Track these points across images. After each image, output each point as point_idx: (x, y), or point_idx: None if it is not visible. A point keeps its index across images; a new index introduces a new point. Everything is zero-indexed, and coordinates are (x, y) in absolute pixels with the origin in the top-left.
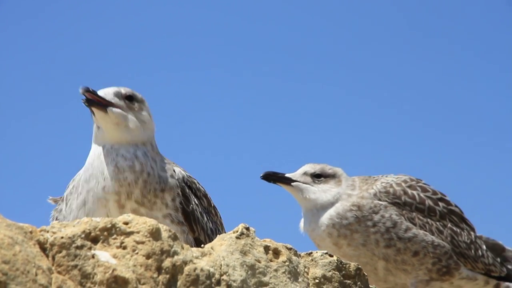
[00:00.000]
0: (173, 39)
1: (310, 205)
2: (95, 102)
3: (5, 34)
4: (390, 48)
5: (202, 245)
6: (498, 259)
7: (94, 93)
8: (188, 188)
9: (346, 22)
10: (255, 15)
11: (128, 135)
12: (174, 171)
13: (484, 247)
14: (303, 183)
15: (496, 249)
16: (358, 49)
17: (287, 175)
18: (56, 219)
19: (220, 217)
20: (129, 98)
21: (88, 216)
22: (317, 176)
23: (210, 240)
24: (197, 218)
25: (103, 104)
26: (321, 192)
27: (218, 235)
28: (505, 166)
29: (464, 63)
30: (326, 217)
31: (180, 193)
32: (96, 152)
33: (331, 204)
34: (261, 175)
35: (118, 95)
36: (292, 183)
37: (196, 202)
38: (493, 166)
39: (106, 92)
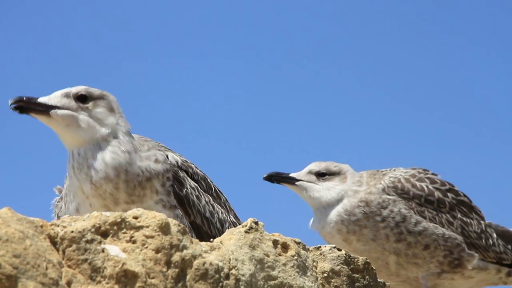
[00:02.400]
0: (175, 26)
1: (315, 203)
2: (30, 108)
3: (5, 31)
4: (398, 40)
5: (212, 239)
6: (509, 246)
7: (29, 100)
8: (183, 171)
9: (353, 14)
10: (264, 3)
11: (85, 135)
12: (167, 156)
13: (495, 235)
14: (307, 181)
15: (507, 236)
16: (368, 40)
17: (291, 174)
18: (57, 216)
19: (226, 201)
20: (81, 98)
21: None
22: (322, 175)
23: (209, 223)
24: (192, 201)
25: (43, 109)
26: (325, 190)
27: (219, 218)
28: None
29: (471, 55)
30: (334, 214)
31: (171, 177)
32: (70, 163)
33: (337, 201)
34: (264, 176)
35: (68, 95)
36: (296, 183)
37: (193, 186)
38: (502, 154)
39: (52, 96)
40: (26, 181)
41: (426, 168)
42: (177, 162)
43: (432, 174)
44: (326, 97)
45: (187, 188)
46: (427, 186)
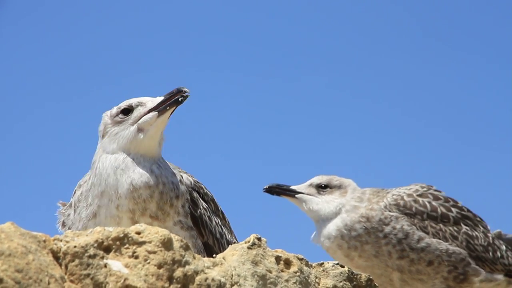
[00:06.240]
0: (179, 36)
1: (314, 215)
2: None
3: (18, 36)
4: (401, 52)
5: (214, 255)
6: None
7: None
8: (196, 192)
9: (351, 24)
10: (272, 15)
11: (158, 148)
12: (182, 177)
13: (504, 247)
14: (307, 194)
15: None
16: (371, 52)
17: (292, 187)
18: (63, 224)
19: (229, 222)
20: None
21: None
22: (322, 187)
23: (219, 244)
24: (205, 222)
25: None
26: (324, 203)
27: (226, 239)
28: None
29: (472, 66)
30: (333, 229)
31: (188, 198)
32: (112, 164)
33: (335, 214)
34: (264, 187)
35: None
36: (296, 195)
37: (205, 207)
38: (507, 163)
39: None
40: (29, 195)
41: (430, 185)
42: (191, 183)
43: (436, 190)
44: (330, 112)
45: (200, 209)
46: (429, 202)
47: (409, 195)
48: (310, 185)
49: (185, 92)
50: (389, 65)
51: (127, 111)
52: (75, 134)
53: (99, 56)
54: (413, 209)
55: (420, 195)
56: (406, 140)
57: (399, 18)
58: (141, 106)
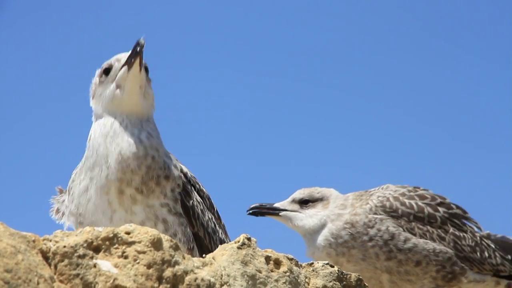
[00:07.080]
0: (179, 36)
1: (301, 231)
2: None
3: (10, 31)
4: (401, 52)
5: (204, 255)
6: (510, 257)
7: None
8: (190, 185)
9: (351, 24)
10: (272, 15)
11: (143, 103)
12: (179, 166)
13: (492, 247)
14: (291, 211)
15: (507, 245)
16: (371, 53)
17: (275, 205)
18: (57, 211)
19: (224, 226)
20: (146, 70)
21: (89, 201)
22: (305, 202)
23: (210, 238)
24: (197, 214)
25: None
26: (308, 217)
27: (220, 238)
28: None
29: (469, 65)
30: (321, 239)
31: (181, 184)
32: (102, 131)
33: (320, 227)
34: (248, 210)
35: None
36: (280, 213)
37: (198, 200)
38: (501, 162)
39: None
40: (19, 195)
41: (417, 186)
42: (186, 174)
43: (423, 189)
44: (331, 112)
45: (193, 200)
46: (416, 203)
47: (395, 198)
48: (293, 200)
49: (140, 43)
50: (389, 65)
51: (108, 70)
52: (74, 135)
53: (99, 56)
54: (399, 211)
55: (407, 198)
56: (405, 140)
57: (398, 18)
58: (118, 62)
